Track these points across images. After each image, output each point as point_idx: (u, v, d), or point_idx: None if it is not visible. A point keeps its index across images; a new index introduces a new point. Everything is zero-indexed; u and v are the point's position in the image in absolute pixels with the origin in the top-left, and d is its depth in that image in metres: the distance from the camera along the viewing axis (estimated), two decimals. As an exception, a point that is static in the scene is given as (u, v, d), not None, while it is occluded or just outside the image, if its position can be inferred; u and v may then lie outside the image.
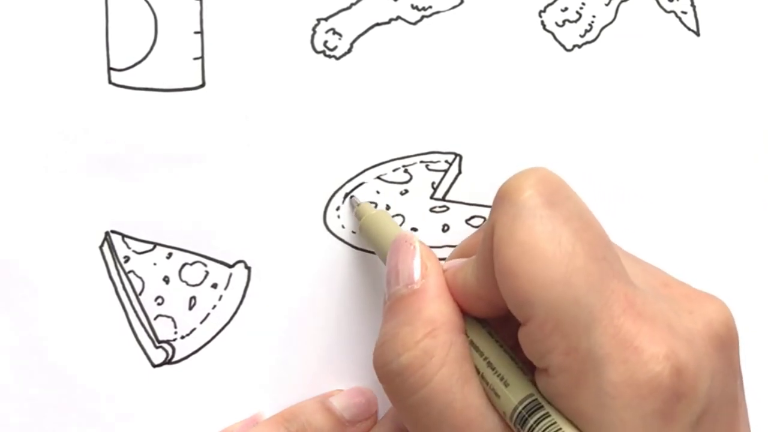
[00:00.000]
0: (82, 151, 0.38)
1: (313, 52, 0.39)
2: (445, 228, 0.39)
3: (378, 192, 0.39)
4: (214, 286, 0.38)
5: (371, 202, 0.38)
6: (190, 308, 0.38)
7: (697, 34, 0.40)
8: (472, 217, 0.39)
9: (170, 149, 0.38)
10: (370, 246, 0.38)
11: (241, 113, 0.39)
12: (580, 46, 0.40)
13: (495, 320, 0.31)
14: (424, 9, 0.39)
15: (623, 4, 0.40)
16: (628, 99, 0.39)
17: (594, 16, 0.40)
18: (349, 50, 0.39)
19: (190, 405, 0.38)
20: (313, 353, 0.38)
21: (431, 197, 0.39)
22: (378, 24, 0.39)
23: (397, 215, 0.39)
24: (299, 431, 0.37)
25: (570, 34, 0.40)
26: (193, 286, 0.38)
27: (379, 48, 0.39)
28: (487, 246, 0.29)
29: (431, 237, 0.39)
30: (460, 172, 0.39)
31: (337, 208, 0.39)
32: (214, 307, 0.38)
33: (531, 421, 0.28)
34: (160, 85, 0.39)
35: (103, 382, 0.38)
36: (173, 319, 0.38)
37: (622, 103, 0.39)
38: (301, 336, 0.38)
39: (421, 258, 0.32)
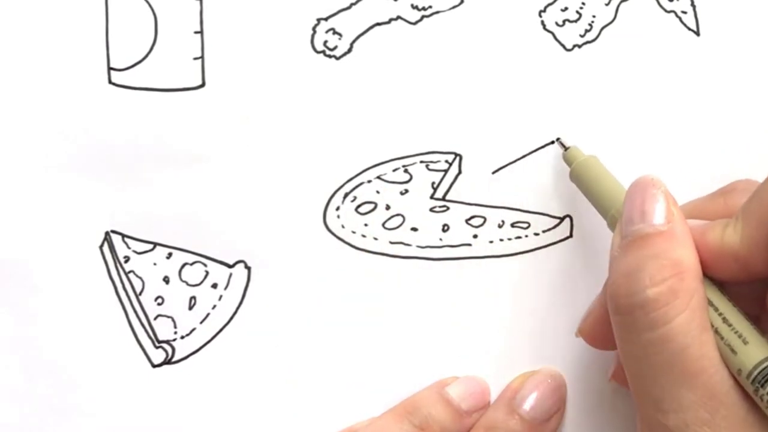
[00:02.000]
0: (82, 151, 0.38)
1: (313, 52, 0.39)
2: (445, 228, 0.39)
3: (378, 192, 0.39)
4: (214, 286, 0.38)
5: (563, 144, 0.38)
6: (190, 308, 0.38)
7: (697, 34, 0.40)
8: (472, 217, 0.39)
9: (170, 149, 0.38)
10: (582, 189, 0.37)
11: (241, 113, 0.39)
12: (580, 46, 0.40)
13: (732, 286, 0.31)
14: (424, 9, 0.39)
15: (623, 4, 0.40)
16: (629, 99, 0.39)
17: (594, 16, 0.40)
18: (349, 50, 0.39)
19: (190, 405, 0.38)
20: (313, 353, 0.38)
21: (431, 197, 0.39)
22: (378, 24, 0.39)
23: (397, 215, 0.39)
24: (422, 423, 0.37)
25: (570, 34, 0.40)
26: (193, 286, 0.38)
27: (379, 48, 0.39)
28: (765, 207, 0.29)
29: (431, 237, 0.39)
30: (460, 172, 0.39)
31: (337, 208, 0.39)
32: (214, 307, 0.38)
33: None
34: (160, 85, 0.39)
35: (103, 382, 0.38)
36: (173, 319, 0.38)
37: (622, 103, 0.39)
38: (301, 336, 0.38)
39: (668, 203, 0.31)
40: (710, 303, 0.31)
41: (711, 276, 0.31)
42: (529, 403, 0.37)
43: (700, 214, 0.34)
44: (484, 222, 0.39)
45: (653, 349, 0.29)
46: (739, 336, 0.29)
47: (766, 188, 0.30)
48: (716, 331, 0.30)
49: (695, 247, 0.31)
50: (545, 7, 0.40)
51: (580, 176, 0.37)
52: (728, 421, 0.29)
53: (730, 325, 0.30)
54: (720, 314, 0.30)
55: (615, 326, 0.31)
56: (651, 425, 0.30)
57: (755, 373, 0.29)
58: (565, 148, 0.38)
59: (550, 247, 0.39)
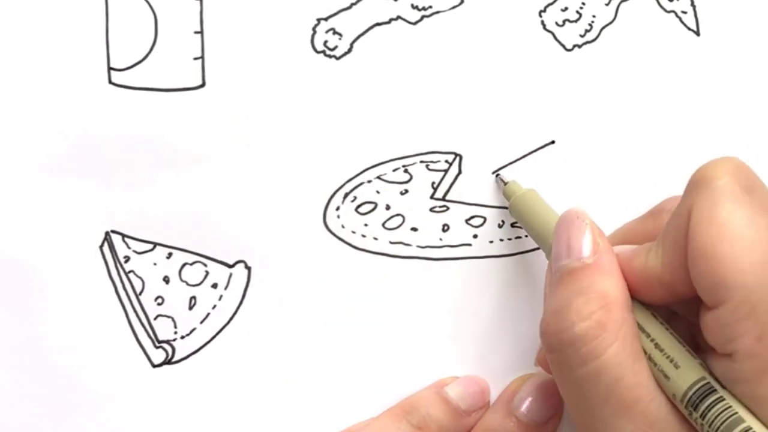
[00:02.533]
0: (82, 151, 0.38)
1: (313, 52, 0.39)
2: (445, 228, 0.39)
3: (378, 192, 0.39)
4: (214, 286, 0.38)
5: (503, 180, 0.38)
6: (190, 308, 0.38)
7: (697, 34, 0.40)
8: (472, 217, 0.39)
9: (170, 149, 0.38)
10: (521, 224, 0.37)
11: (241, 113, 0.39)
12: (580, 46, 0.40)
13: (658, 309, 0.31)
14: (424, 9, 0.39)
15: (623, 4, 0.40)
16: (629, 99, 0.39)
17: (594, 16, 0.40)
18: (349, 50, 0.39)
19: (190, 405, 0.38)
20: (313, 353, 0.38)
21: (431, 197, 0.39)
22: (378, 24, 0.39)
23: (397, 215, 0.39)
24: (420, 423, 0.37)
25: (570, 34, 0.40)
26: (193, 286, 0.38)
27: (379, 48, 0.39)
28: (680, 229, 0.29)
29: (431, 237, 0.39)
30: (460, 172, 0.39)
31: (337, 208, 0.39)
32: (214, 307, 0.38)
33: (704, 405, 0.28)
34: (160, 85, 0.39)
35: (103, 382, 0.38)
36: (173, 319, 0.38)
37: (622, 103, 0.39)
38: (301, 336, 0.38)
39: (593, 235, 0.32)
40: (642, 329, 0.31)
41: (642, 301, 0.31)
42: (526, 406, 0.37)
43: (632, 237, 0.34)
44: (484, 222, 0.39)
45: (588, 383, 0.29)
46: (671, 361, 0.30)
47: (678, 212, 0.30)
48: (649, 358, 0.30)
49: (623, 274, 0.31)
50: (545, 7, 0.40)
51: (518, 210, 0.37)
52: None
53: (662, 350, 0.30)
54: (652, 340, 0.30)
55: (550, 363, 0.31)
56: None
57: (687, 396, 0.29)
58: (505, 183, 0.38)
59: (550, 247, 0.39)
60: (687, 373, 0.29)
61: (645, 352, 0.30)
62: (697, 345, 0.31)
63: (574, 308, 0.30)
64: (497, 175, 0.39)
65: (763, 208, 0.28)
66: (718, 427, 0.28)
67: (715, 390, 0.29)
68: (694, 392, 0.29)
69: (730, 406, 0.28)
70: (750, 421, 0.28)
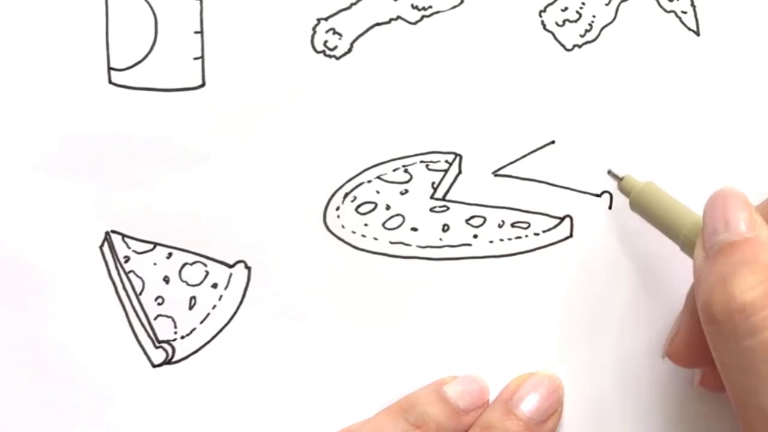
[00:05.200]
0: (82, 151, 0.38)
1: (313, 52, 0.39)
2: (445, 228, 0.39)
3: (378, 192, 0.39)
4: (214, 286, 0.38)
5: (617, 176, 0.38)
6: (190, 308, 0.38)
7: (697, 34, 0.40)
8: (472, 217, 0.39)
9: (170, 149, 0.38)
10: (645, 216, 0.37)
11: (241, 113, 0.39)
12: (580, 46, 0.40)
13: None
14: (424, 9, 0.39)
15: (623, 4, 0.40)
16: (628, 99, 0.39)
17: (594, 16, 0.40)
18: (349, 50, 0.39)
19: (190, 405, 0.38)
20: (313, 353, 0.38)
21: (431, 197, 0.39)
22: (378, 24, 0.39)
23: (397, 215, 0.39)
24: (417, 421, 0.37)
25: (570, 34, 0.40)
26: (193, 286, 0.38)
27: (379, 48, 0.39)
28: None
29: (431, 237, 0.39)
30: (460, 172, 0.39)
31: (337, 208, 0.39)
32: (214, 307, 0.38)
33: None
34: (160, 85, 0.39)
35: (103, 382, 0.38)
36: (173, 319, 0.38)
37: (622, 103, 0.39)
38: (301, 336, 0.38)
39: (750, 211, 0.32)
40: None
41: None
42: (526, 404, 0.37)
43: None
44: (484, 222, 0.39)
45: (756, 356, 0.29)
46: None
47: None
48: None
49: None
50: (545, 7, 0.40)
51: (642, 204, 0.37)
52: None
53: None
54: None
55: (711, 337, 0.30)
56: None
57: None
58: (620, 179, 0.38)
59: (550, 247, 0.39)
60: None
61: None
62: None
63: (740, 277, 0.30)
64: (609, 171, 0.38)
65: None
66: None
67: None
68: None
69: None
70: None
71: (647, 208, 0.36)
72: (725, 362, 0.30)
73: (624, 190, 0.38)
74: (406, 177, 0.39)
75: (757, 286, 0.29)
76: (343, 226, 0.39)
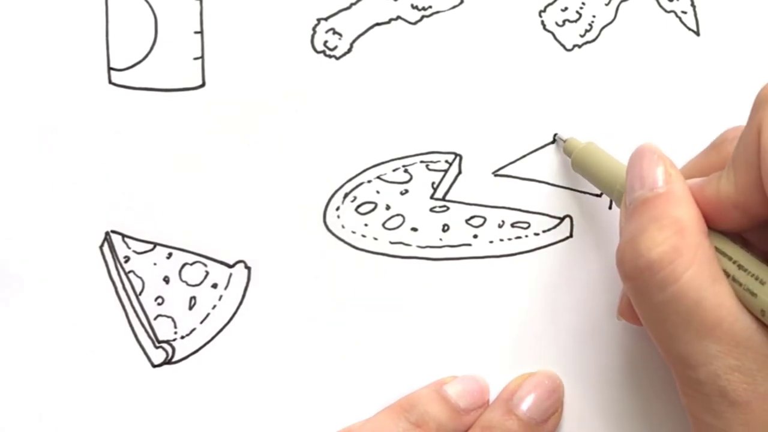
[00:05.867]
0: (82, 151, 0.38)
1: (313, 52, 0.39)
2: (445, 228, 0.39)
3: (378, 192, 0.39)
4: (214, 286, 0.38)
5: (561, 138, 0.39)
6: (190, 308, 0.38)
7: (697, 34, 0.40)
8: (472, 217, 0.39)
9: (170, 149, 0.38)
10: (586, 176, 0.37)
11: (241, 113, 0.39)
12: (580, 46, 0.40)
13: (737, 233, 0.32)
14: (424, 9, 0.39)
15: (623, 4, 0.40)
16: (628, 99, 0.39)
17: (594, 16, 0.40)
18: (349, 50, 0.39)
19: (190, 405, 0.38)
20: (313, 353, 0.38)
21: (431, 197, 0.39)
22: (378, 24, 0.39)
23: (397, 215, 0.39)
24: (418, 420, 0.37)
25: (570, 34, 0.40)
26: (193, 286, 0.38)
27: (379, 48, 0.39)
28: (751, 148, 0.29)
29: (431, 237, 0.39)
30: (460, 172, 0.39)
31: (337, 208, 0.39)
32: (214, 307, 0.38)
33: None
34: (160, 85, 0.39)
35: (103, 382, 0.38)
36: (173, 319, 0.38)
37: (622, 103, 0.39)
38: (301, 336, 0.38)
39: (665, 165, 0.32)
40: (723, 253, 0.31)
41: (719, 229, 0.31)
42: (526, 404, 0.37)
43: (698, 172, 0.34)
44: (484, 222, 0.39)
45: (668, 308, 0.30)
46: (756, 278, 0.30)
47: (748, 132, 0.30)
48: (733, 279, 0.30)
49: (696, 204, 0.31)
50: (545, 7, 0.40)
51: (582, 163, 0.37)
52: (758, 362, 0.29)
53: (745, 270, 0.30)
54: (734, 262, 0.30)
55: (629, 292, 0.31)
56: (685, 382, 0.30)
57: None
58: (563, 141, 0.38)
59: (550, 247, 0.39)
60: None
61: (728, 274, 0.30)
62: None
63: (648, 235, 0.30)
64: (555, 135, 0.39)
65: None
66: None
67: None
68: None
69: None
70: None
71: (587, 166, 0.37)
72: (643, 315, 0.31)
73: (567, 151, 0.38)
74: (406, 177, 0.39)
75: (664, 242, 0.30)
76: (343, 226, 0.39)
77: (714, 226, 0.31)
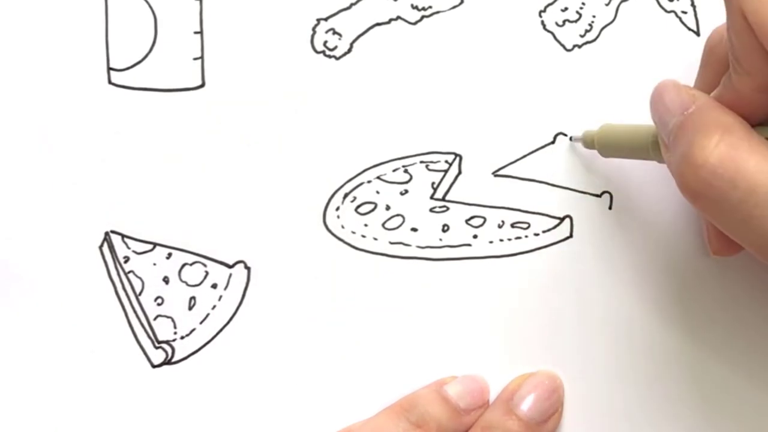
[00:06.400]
0: (82, 151, 0.38)
1: (313, 52, 0.39)
2: (445, 228, 0.39)
3: (378, 192, 0.39)
4: (214, 286, 0.38)
5: (574, 137, 0.39)
6: (190, 308, 0.38)
7: (697, 34, 0.40)
8: (472, 217, 0.39)
9: (170, 149, 0.38)
10: (619, 154, 0.37)
11: (241, 113, 0.39)
12: (580, 46, 0.40)
13: None
14: (424, 9, 0.39)
15: (623, 4, 0.40)
16: (629, 99, 0.39)
17: (594, 16, 0.40)
18: (349, 50, 0.39)
19: (190, 405, 0.38)
20: (313, 353, 0.38)
21: (431, 197, 0.39)
22: (378, 24, 0.39)
23: (397, 215, 0.39)
24: (418, 421, 0.37)
25: (570, 34, 0.40)
26: (193, 286, 0.38)
27: (379, 48, 0.39)
28: (743, 32, 0.29)
29: (431, 237, 0.39)
30: (460, 172, 0.39)
31: (337, 208, 0.39)
32: (214, 307, 0.38)
33: None
34: (160, 85, 0.39)
35: (103, 382, 0.38)
36: (173, 320, 0.38)
37: (622, 103, 0.39)
38: (301, 336, 0.38)
39: (685, 89, 0.32)
40: None
41: (755, 125, 0.31)
42: (526, 404, 0.37)
43: (707, 90, 0.34)
44: (484, 222, 0.39)
45: (749, 204, 0.29)
46: None
47: (732, 20, 0.29)
48: None
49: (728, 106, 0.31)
50: (545, 7, 0.40)
51: (608, 144, 0.37)
52: None
53: None
54: None
55: (704, 211, 0.31)
56: None
57: None
58: (580, 137, 0.38)
59: (550, 247, 0.39)
60: None
61: None
62: None
63: (699, 145, 0.30)
64: (571, 138, 0.39)
65: None
66: None
67: None
68: None
69: None
70: None
71: (613, 143, 0.37)
72: (728, 225, 0.30)
73: (588, 143, 0.38)
74: (406, 177, 0.39)
75: (718, 144, 0.29)
76: (342, 227, 0.39)
77: (751, 122, 0.31)
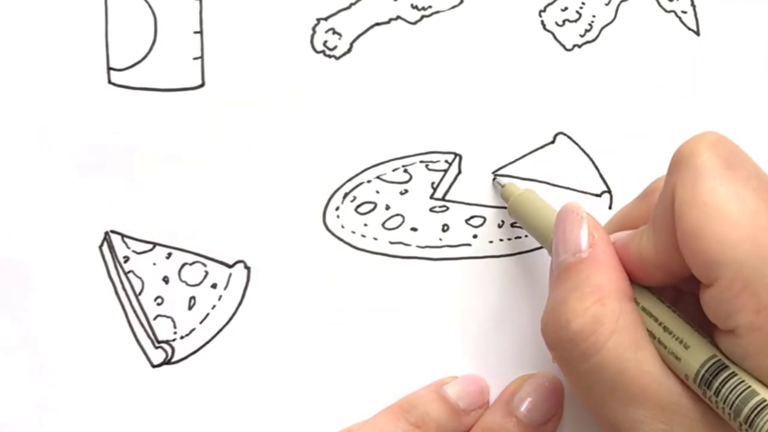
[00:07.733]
0: (82, 151, 0.38)
1: (313, 52, 0.39)
2: (445, 228, 0.39)
3: (378, 192, 0.39)
4: (214, 286, 0.38)
5: (500, 183, 0.38)
6: (190, 308, 0.38)
7: (697, 34, 0.40)
8: (472, 217, 0.39)
9: (170, 149, 0.38)
10: (521, 224, 0.37)
11: (241, 113, 0.39)
12: (580, 46, 0.40)
13: (664, 289, 0.32)
14: (424, 9, 0.39)
15: (623, 4, 0.40)
16: (628, 99, 0.39)
17: (594, 16, 0.40)
18: (349, 50, 0.39)
19: (190, 405, 0.38)
20: (313, 353, 0.38)
21: (431, 197, 0.39)
22: (378, 24, 0.39)
23: (397, 215, 0.39)
24: (418, 421, 0.37)
25: (570, 34, 0.40)
26: (193, 286, 0.38)
27: (379, 48, 0.39)
28: (666, 211, 0.29)
29: (431, 237, 0.39)
30: (460, 172, 0.39)
31: (337, 208, 0.39)
32: (214, 307, 0.38)
33: (717, 382, 0.28)
34: (160, 85, 0.39)
35: (103, 382, 0.38)
36: (173, 319, 0.38)
37: (623, 103, 0.39)
38: (301, 336, 0.38)
39: (589, 228, 0.32)
40: (648, 313, 0.31)
41: (645, 285, 0.31)
42: (526, 406, 0.37)
43: (629, 222, 0.34)
44: (484, 222, 0.39)
45: (592, 377, 0.30)
46: (680, 342, 0.29)
47: (664, 193, 0.29)
48: (659, 341, 0.30)
49: (622, 261, 0.31)
50: (545, 7, 0.40)
51: (518, 211, 0.37)
52: (686, 426, 0.29)
53: (670, 332, 0.30)
54: (660, 323, 0.30)
55: (555, 360, 0.32)
56: None
57: (700, 375, 0.29)
58: (502, 186, 0.38)
59: (550, 247, 0.39)
60: (697, 353, 0.29)
61: (654, 336, 0.30)
62: (708, 321, 0.30)
63: (569, 305, 0.30)
64: (494, 179, 0.39)
65: (745, 179, 0.28)
66: (733, 403, 0.28)
67: (727, 366, 0.28)
68: (706, 370, 0.28)
69: (742, 381, 0.28)
70: (764, 393, 0.27)
71: (523, 215, 0.37)
72: (571, 381, 0.31)
73: (504, 197, 0.38)
74: (406, 177, 0.39)
75: (585, 313, 0.30)
76: (342, 226, 0.39)
77: (641, 282, 0.31)
